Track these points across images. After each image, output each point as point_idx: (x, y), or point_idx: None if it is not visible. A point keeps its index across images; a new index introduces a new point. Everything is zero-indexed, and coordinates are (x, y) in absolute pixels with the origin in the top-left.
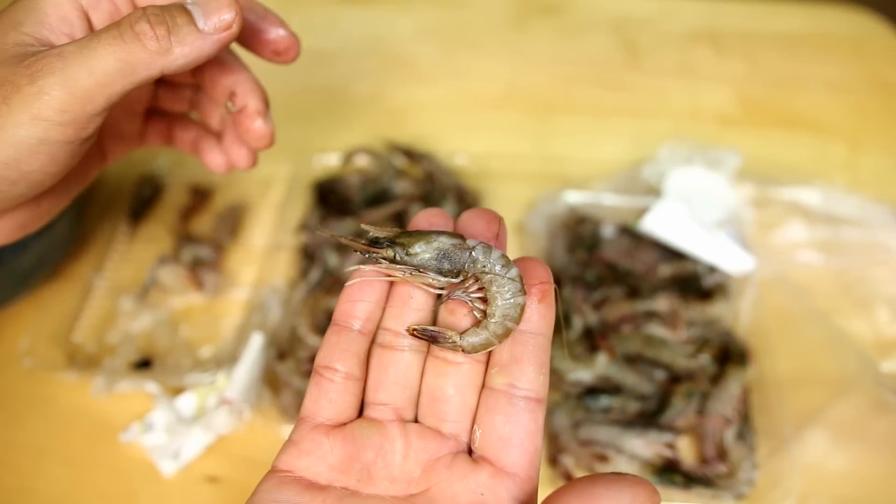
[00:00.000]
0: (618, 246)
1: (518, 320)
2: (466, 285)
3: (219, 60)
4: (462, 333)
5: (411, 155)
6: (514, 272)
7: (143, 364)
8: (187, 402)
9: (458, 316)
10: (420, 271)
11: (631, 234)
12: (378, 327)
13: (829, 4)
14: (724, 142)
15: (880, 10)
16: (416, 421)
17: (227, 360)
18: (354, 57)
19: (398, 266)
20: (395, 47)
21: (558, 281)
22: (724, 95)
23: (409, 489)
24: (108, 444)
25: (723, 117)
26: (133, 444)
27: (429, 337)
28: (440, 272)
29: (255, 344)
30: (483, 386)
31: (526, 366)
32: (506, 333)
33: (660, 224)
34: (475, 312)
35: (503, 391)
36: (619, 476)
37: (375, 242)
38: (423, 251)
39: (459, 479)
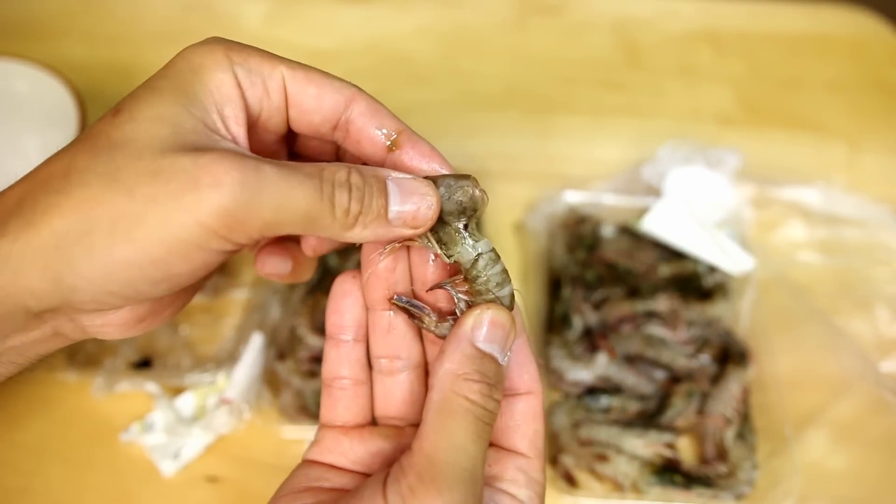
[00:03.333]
0: (618, 246)
1: None
2: (457, 281)
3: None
4: (440, 322)
5: None
6: (507, 290)
7: (143, 364)
8: (187, 402)
9: (439, 296)
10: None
11: (631, 234)
12: (371, 355)
13: (829, 4)
14: (724, 142)
15: (880, 10)
16: None
17: (227, 360)
18: (354, 57)
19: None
20: (395, 47)
21: (558, 281)
22: (724, 95)
23: None
24: (108, 444)
25: (723, 117)
26: (133, 444)
27: (407, 310)
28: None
29: (255, 344)
30: None
31: (510, 366)
32: None
33: (660, 224)
34: (456, 310)
35: None
36: None
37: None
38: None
39: None
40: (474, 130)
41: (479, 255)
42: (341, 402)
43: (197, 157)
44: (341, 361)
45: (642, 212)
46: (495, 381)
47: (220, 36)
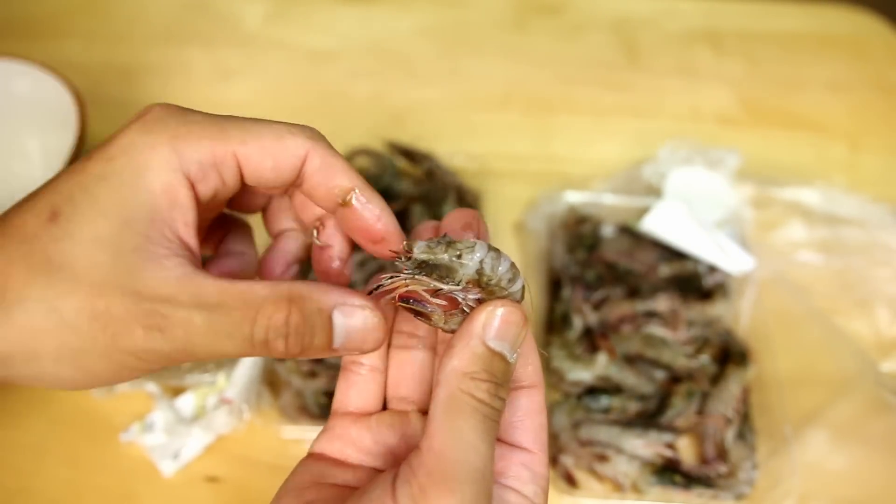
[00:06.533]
0: (618, 246)
1: None
2: (467, 290)
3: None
4: (448, 318)
5: (411, 155)
6: (518, 285)
7: None
8: (187, 402)
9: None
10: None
11: (631, 234)
12: (393, 330)
13: (829, 4)
14: (724, 142)
15: (880, 10)
16: None
17: (227, 360)
18: (354, 57)
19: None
20: (395, 47)
21: (558, 281)
22: (724, 95)
23: None
24: (108, 444)
25: (723, 117)
26: (133, 444)
27: (413, 310)
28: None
29: None
30: None
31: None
32: None
33: (660, 224)
34: (464, 305)
35: None
36: None
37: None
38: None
39: None
40: (474, 130)
41: (480, 262)
42: (355, 387)
43: (129, 302)
44: None
45: (642, 212)
46: (503, 379)
47: (168, 102)
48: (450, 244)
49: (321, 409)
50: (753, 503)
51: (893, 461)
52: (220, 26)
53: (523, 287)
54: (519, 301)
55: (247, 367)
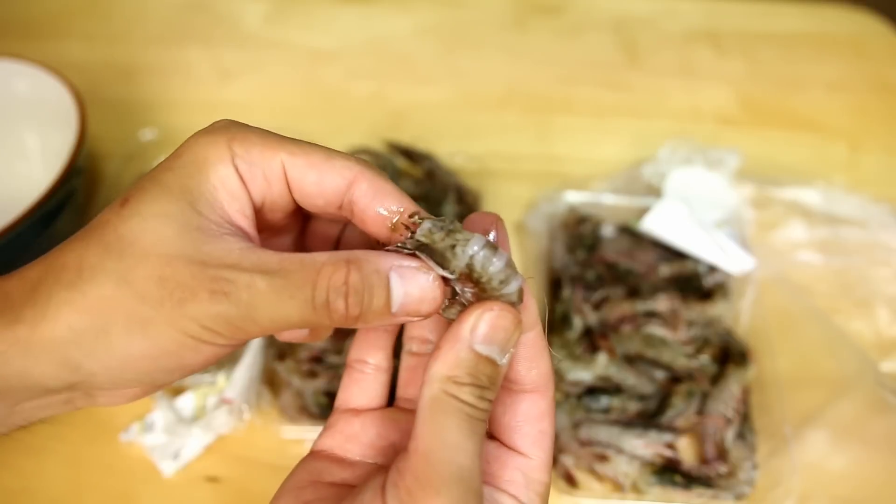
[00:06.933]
0: (618, 246)
1: None
2: (463, 282)
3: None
4: (449, 306)
5: (411, 155)
6: (513, 286)
7: None
8: (187, 402)
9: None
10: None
11: (631, 234)
12: (405, 335)
13: (829, 4)
14: (724, 142)
15: (880, 10)
16: None
17: (227, 360)
18: (354, 57)
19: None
20: (395, 47)
21: (559, 281)
22: (724, 95)
23: None
24: (108, 444)
25: (723, 117)
26: (133, 444)
27: None
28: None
29: (255, 344)
30: None
31: (517, 361)
32: None
33: (660, 224)
34: (463, 300)
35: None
36: None
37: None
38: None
39: None
40: (474, 130)
41: (470, 257)
42: (359, 385)
43: (196, 269)
44: (370, 346)
45: (642, 212)
46: (489, 382)
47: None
48: (449, 232)
49: (321, 409)
50: (753, 503)
51: (893, 461)
52: (219, 26)
53: (520, 289)
54: (514, 303)
55: (247, 367)
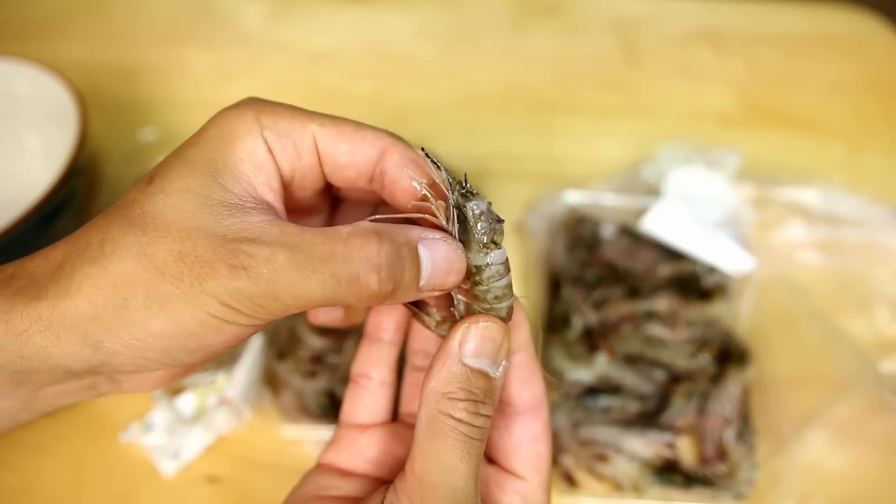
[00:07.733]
0: (618, 246)
1: None
2: (457, 290)
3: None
4: (441, 322)
5: None
6: (505, 303)
7: None
8: (187, 402)
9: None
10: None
11: (631, 234)
12: (408, 349)
13: (829, 4)
14: (724, 142)
15: (880, 10)
16: None
17: (227, 360)
18: (354, 57)
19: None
20: (395, 47)
21: (558, 281)
22: (724, 95)
23: None
24: (108, 444)
25: (723, 117)
26: (133, 444)
27: (413, 310)
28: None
29: (255, 344)
30: None
31: (509, 383)
32: None
33: (660, 224)
34: (455, 311)
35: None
36: None
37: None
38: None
39: None
40: (474, 130)
41: (487, 265)
42: (363, 401)
43: (216, 243)
44: (373, 361)
45: (642, 212)
46: (484, 396)
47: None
48: (491, 225)
49: (321, 409)
50: (753, 503)
51: (893, 461)
52: (220, 26)
53: (510, 308)
54: (504, 319)
55: (247, 367)
